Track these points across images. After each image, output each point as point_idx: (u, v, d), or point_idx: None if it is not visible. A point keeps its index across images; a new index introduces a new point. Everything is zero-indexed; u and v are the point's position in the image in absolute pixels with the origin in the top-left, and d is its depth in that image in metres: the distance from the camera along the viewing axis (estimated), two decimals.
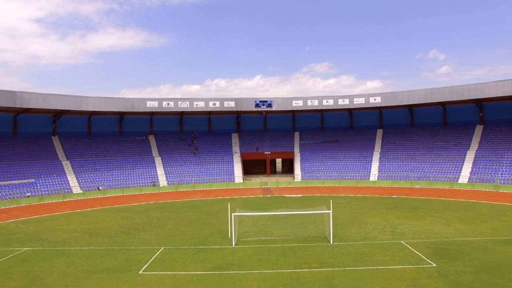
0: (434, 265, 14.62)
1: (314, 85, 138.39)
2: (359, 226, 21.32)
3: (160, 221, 24.24)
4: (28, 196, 33.32)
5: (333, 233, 19.07)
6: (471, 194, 31.81)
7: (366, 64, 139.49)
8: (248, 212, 20.65)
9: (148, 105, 43.17)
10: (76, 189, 37.70)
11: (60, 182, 37.76)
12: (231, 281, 13.36)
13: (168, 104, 43.30)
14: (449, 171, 39.50)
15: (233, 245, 17.84)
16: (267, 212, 21.60)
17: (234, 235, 18.51)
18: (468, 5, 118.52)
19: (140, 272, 14.60)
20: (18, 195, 33.12)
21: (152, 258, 16.26)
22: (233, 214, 18.59)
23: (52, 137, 45.51)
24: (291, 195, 33.94)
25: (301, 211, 20.50)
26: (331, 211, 18.36)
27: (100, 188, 37.87)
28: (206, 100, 44.53)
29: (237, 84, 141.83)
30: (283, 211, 20.35)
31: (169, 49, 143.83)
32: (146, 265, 15.35)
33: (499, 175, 35.94)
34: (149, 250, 17.57)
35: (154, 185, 40.08)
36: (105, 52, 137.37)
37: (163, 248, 17.88)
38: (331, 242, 17.94)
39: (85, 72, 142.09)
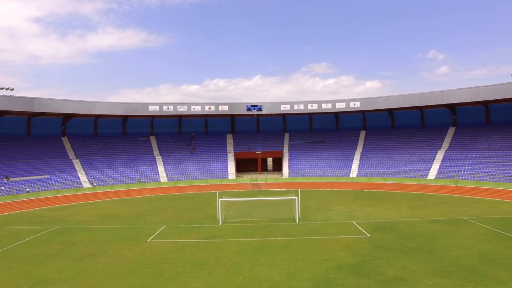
0: (368, 235, 19.78)
1: (313, 85, 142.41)
2: (324, 212, 26.50)
3: (162, 208, 29.46)
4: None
5: (301, 216, 24.30)
6: (432, 188, 36.97)
7: (365, 64, 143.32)
8: (232, 198, 25.82)
9: (150, 109, 48.42)
10: (86, 184, 42.88)
11: (72, 178, 42.92)
12: (215, 245, 18.53)
13: (168, 108, 48.54)
14: (420, 168, 44.60)
15: (220, 224, 23.03)
16: (247, 198, 26.75)
17: (221, 217, 23.73)
18: (468, 5, 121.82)
19: (148, 240, 19.78)
20: (39, 189, 38.33)
21: (157, 232, 21.45)
22: (220, 199, 23.80)
23: (62, 138, 50.75)
24: (276, 189, 39.08)
25: (276, 197, 25.62)
26: (296, 198, 23.56)
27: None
28: (203, 105, 49.79)
29: (236, 84, 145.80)
30: (261, 197, 25.45)
31: (168, 49, 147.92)
32: (152, 236, 20.53)
33: (461, 172, 41.06)
34: (154, 227, 22.76)
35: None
36: (104, 52, 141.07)
37: (164, 226, 23.08)
38: (297, 222, 23.10)
39: (84, 72, 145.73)
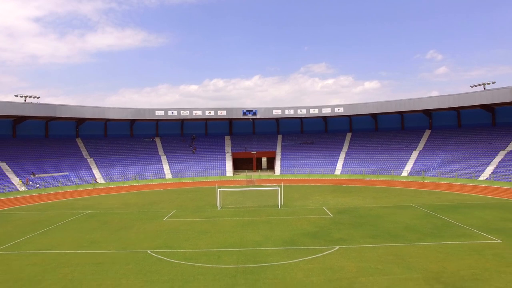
0: (332, 216, 26.39)
1: (312, 85, 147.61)
2: (303, 200, 33.12)
3: (170, 199, 36.08)
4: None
5: (283, 203, 30.93)
6: (401, 184, 43.56)
7: (364, 65, 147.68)
8: (228, 188, 32.41)
9: (156, 114, 55.06)
10: (100, 180, 49.42)
11: (88, 175, 49.50)
12: (215, 222, 25.14)
13: (172, 113, 55.19)
14: (396, 166, 51.20)
15: (219, 209, 29.66)
16: (240, 188, 33.36)
17: (219, 203, 30.36)
18: (467, 6, 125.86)
19: (164, 219, 26.40)
20: (62, 183, 44.95)
21: (169, 214, 28.07)
22: (218, 189, 30.43)
23: (76, 139, 57.35)
24: (267, 184, 45.66)
25: (263, 188, 32.23)
26: (279, 188, 30.19)
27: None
28: (203, 110, 56.43)
29: (235, 84, 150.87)
30: (251, 188, 32.04)
31: (167, 49, 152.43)
32: (167, 217, 27.15)
33: (430, 169, 47.69)
34: (166, 211, 29.38)
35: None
36: (103, 52, 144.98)
37: (175, 210, 29.70)
38: (279, 207, 29.72)
39: (83, 72, 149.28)
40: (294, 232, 21.95)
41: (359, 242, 19.58)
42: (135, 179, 50.73)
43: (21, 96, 45.36)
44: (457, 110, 54.80)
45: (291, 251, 18.16)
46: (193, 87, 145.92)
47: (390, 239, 19.98)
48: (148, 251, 18.66)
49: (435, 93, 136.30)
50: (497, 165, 43.08)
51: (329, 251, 18.06)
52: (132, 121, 61.56)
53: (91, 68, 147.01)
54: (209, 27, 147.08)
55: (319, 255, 17.52)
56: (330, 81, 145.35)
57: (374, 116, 61.52)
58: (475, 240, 19.30)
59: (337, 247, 18.75)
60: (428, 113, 56.97)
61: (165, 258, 17.45)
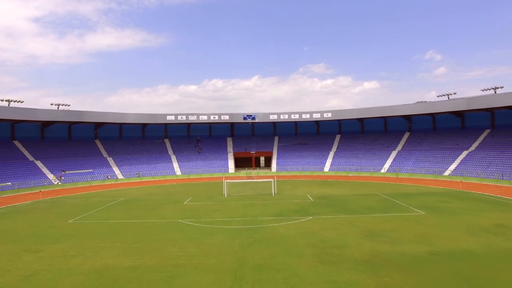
0: (312, 200, 35.13)
1: (311, 86, 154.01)
2: (292, 191, 41.88)
3: (184, 190, 44.82)
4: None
5: (276, 192, 39.69)
6: (378, 179, 52.32)
7: (363, 65, 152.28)
8: (232, 180, 41.17)
9: (167, 119, 63.86)
10: (119, 176, 58.10)
11: (109, 171, 58.16)
12: (223, 204, 33.87)
13: (181, 117, 64.00)
14: (377, 164, 59.98)
15: (225, 196, 38.42)
16: (242, 180, 42.06)
17: (226, 192, 39.13)
18: (466, 6, 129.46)
19: (184, 203, 35.13)
20: (90, 179, 53.65)
21: (187, 200, 36.82)
22: (225, 181, 39.18)
23: (95, 140, 66.04)
24: (264, 179, 54.31)
25: (260, 180, 40.98)
26: (273, 180, 38.95)
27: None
28: (208, 115, 65.33)
29: (235, 85, 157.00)
30: (251, 180, 40.67)
31: (167, 49, 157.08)
32: (186, 201, 35.90)
33: (404, 167, 56.47)
34: (184, 198, 38.11)
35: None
36: (103, 52, 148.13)
37: (191, 197, 38.44)
38: (273, 195, 38.47)
39: (83, 72, 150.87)
40: (282, 209, 30.71)
41: (326, 214, 28.34)
42: (139, 176, 58.86)
43: (55, 105, 54.11)
44: (432, 115, 63.55)
45: (278, 219, 26.90)
46: (192, 87, 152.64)
47: (349, 213, 28.74)
48: (179, 220, 27.39)
49: (434, 94, 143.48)
50: (459, 163, 51.88)
51: (304, 219, 26.80)
52: (144, 125, 70.26)
53: (90, 68, 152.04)
54: (209, 27, 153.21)
55: (297, 221, 26.27)
56: (329, 82, 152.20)
57: (361, 120, 70.29)
58: (408, 213, 28.06)
59: (311, 217, 27.51)
60: (407, 117, 65.76)
61: (192, 224, 26.18)
